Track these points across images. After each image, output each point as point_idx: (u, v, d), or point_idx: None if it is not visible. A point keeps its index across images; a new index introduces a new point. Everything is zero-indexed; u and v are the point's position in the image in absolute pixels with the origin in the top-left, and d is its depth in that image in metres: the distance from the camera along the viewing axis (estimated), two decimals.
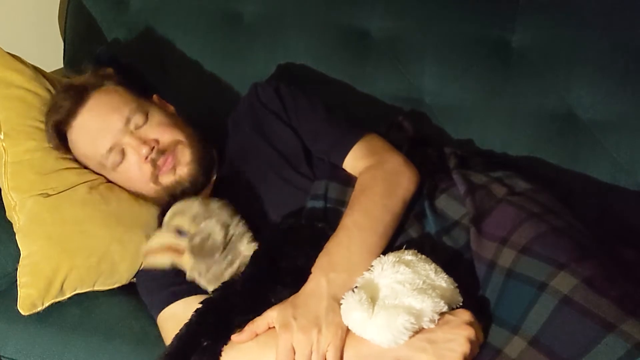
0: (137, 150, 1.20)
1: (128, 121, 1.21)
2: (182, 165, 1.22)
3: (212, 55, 1.55)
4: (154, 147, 1.20)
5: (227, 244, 1.05)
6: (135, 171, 1.22)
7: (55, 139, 1.26)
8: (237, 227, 1.07)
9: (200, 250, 1.04)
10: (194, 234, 1.04)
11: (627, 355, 0.82)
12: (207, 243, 1.04)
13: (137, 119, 1.22)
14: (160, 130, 1.22)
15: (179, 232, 1.05)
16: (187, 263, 1.05)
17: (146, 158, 1.19)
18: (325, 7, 1.49)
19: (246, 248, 1.06)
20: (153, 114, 1.24)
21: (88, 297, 1.22)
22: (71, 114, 1.24)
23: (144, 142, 1.20)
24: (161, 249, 1.06)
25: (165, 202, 1.23)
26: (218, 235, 1.04)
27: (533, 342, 0.90)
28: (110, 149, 1.21)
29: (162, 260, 1.07)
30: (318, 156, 1.23)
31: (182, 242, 1.05)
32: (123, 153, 1.22)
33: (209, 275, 1.05)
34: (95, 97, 1.24)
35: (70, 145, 1.27)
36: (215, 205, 1.08)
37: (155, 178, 1.21)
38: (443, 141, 1.39)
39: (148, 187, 1.23)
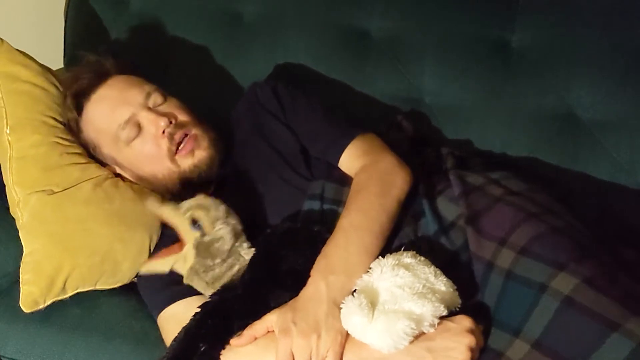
0: (155, 123, 1.20)
1: (148, 96, 1.23)
2: (201, 150, 1.22)
3: (212, 55, 1.55)
4: (172, 122, 1.21)
5: (231, 251, 1.05)
6: (151, 146, 1.22)
7: (72, 110, 1.27)
8: (243, 238, 1.07)
9: (206, 249, 1.04)
10: (207, 232, 1.04)
11: (632, 353, 0.82)
12: (215, 245, 1.04)
13: (157, 97, 1.24)
14: (179, 110, 1.24)
15: (194, 223, 1.05)
16: (186, 258, 1.05)
17: (163, 132, 1.20)
18: (325, 7, 1.49)
19: (246, 252, 1.06)
20: (171, 99, 1.27)
21: (88, 297, 1.22)
22: (92, 86, 1.26)
23: (163, 114, 1.21)
24: (167, 222, 1.07)
25: (174, 189, 1.23)
26: (227, 244, 1.04)
27: (536, 345, 0.89)
28: (128, 120, 1.21)
29: (162, 267, 1.07)
30: (315, 156, 1.23)
31: (192, 234, 1.04)
32: (139, 127, 1.22)
33: (207, 277, 1.05)
34: (115, 77, 1.28)
35: (85, 119, 1.27)
36: (233, 214, 1.08)
37: (172, 155, 1.21)
38: (443, 141, 1.40)
39: (162, 166, 1.22)
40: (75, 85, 1.27)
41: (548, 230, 0.98)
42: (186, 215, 1.05)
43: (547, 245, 0.96)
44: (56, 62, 1.67)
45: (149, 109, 1.22)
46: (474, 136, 1.40)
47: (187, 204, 1.07)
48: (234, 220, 1.07)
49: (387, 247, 1.05)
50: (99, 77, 1.27)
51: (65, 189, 1.23)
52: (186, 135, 1.22)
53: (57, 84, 1.33)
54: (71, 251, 1.20)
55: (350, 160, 1.18)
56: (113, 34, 1.61)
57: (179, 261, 1.06)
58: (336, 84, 1.47)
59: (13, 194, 1.24)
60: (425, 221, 1.10)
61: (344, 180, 1.16)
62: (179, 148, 1.21)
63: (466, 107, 1.41)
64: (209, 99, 1.54)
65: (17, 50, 1.34)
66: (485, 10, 1.41)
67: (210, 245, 1.04)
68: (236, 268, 1.05)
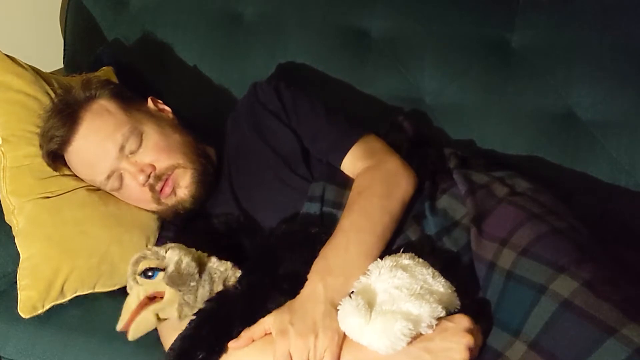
0: (135, 177, 1.19)
1: (122, 148, 1.19)
2: (182, 188, 1.21)
3: (212, 55, 1.55)
4: (150, 173, 1.18)
5: (200, 268, 1.03)
6: (136, 194, 1.22)
7: (53, 164, 1.25)
8: (202, 255, 1.05)
9: (180, 277, 1.01)
10: (165, 265, 1.01)
11: None
12: (182, 267, 1.01)
13: (131, 144, 1.19)
14: (156, 154, 1.20)
15: (149, 274, 1.01)
16: (172, 301, 1.01)
17: (144, 185, 1.19)
18: (325, 7, 1.49)
19: (219, 265, 1.04)
20: (148, 135, 1.21)
21: (88, 298, 1.22)
22: (65, 142, 1.21)
23: (141, 169, 1.18)
24: (142, 304, 1.01)
25: (168, 216, 1.24)
26: (186, 258, 1.02)
27: (533, 345, 0.89)
28: (108, 176, 1.21)
29: (147, 324, 1.02)
30: (316, 157, 1.22)
31: (159, 282, 1.01)
32: (121, 177, 1.21)
33: (198, 301, 1.02)
34: (87, 121, 1.21)
35: (69, 165, 1.26)
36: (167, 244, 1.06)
37: (157, 200, 1.21)
38: (443, 141, 1.39)
39: (151, 206, 1.24)
40: (49, 144, 1.22)
41: (549, 231, 0.98)
42: (138, 279, 1.02)
43: (548, 247, 0.95)
44: (56, 62, 1.67)
45: (127, 158, 1.19)
46: (474, 136, 1.40)
47: (129, 274, 1.04)
48: (170, 245, 1.05)
49: (388, 249, 1.05)
50: (70, 128, 1.20)
51: (61, 194, 1.24)
52: (167, 179, 1.20)
53: (50, 92, 1.30)
54: (69, 253, 1.20)
55: (353, 161, 1.17)
56: (113, 33, 1.61)
57: (166, 308, 1.01)
58: (336, 84, 1.46)
59: (7, 203, 1.24)
60: (427, 222, 1.10)
61: (346, 183, 1.15)
62: (161, 192, 1.20)
63: (466, 107, 1.41)
64: (208, 99, 1.55)
65: (10, 57, 1.31)
66: (485, 10, 1.41)
67: (179, 271, 1.01)
68: (219, 282, 1.03)
